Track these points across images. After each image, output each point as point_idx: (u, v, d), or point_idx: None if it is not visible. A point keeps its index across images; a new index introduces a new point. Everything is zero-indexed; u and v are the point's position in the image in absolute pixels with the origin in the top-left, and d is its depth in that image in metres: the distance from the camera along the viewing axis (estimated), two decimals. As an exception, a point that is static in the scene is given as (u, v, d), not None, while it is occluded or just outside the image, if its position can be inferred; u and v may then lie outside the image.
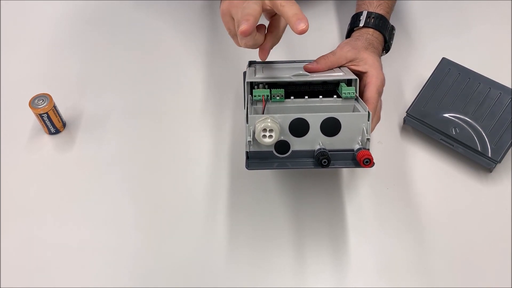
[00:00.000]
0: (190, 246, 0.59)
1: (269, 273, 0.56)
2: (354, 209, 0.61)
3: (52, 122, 0.68)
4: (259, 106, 0.53)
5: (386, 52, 0.69)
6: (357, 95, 0.55)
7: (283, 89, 0.55)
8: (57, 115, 0.68)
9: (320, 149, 0.51)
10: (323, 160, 0.50)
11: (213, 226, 0.60)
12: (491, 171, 0.63)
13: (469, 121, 0.63)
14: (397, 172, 0.64)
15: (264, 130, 0.49)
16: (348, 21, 0.71)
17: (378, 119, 0.61)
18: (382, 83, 0.61)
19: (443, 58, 0.67)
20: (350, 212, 0.61)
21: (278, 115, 0.50)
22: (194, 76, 0.77)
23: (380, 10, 0.68)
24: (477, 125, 0.63)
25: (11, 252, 0.59)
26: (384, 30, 0.67)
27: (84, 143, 0.69)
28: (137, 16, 0.87)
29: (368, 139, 0.51)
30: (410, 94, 0.71)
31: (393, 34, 0.70)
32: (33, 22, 0.87)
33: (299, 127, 0.51)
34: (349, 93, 0.54)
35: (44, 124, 0.68)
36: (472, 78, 0.65)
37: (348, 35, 0.70)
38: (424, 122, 0.65)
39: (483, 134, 0.62)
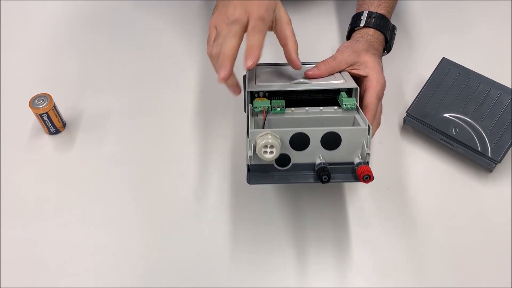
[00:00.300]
0: (191, 246, 0.59)
1: (271, 273, 0.56)
2: (355, 210, 0.61)
3: (52, 122, 0.68)
4: (260, 117, 0.54)
5: (388, 52, 0.69)
6: (358, 105, 0.55)
7: (284, 100, 0.55)
8: (57, 115, 0.68)
9: (320, 163, 0.51)
10: (323, 176, 0.50)
11: (214, 226, 0.60)
12: (491, 171, 0.63)
13: (469, 121, 0.63)
14: (397, 172, 0.64)
15: (265, 146, 0.49)
16: (348, 21, 0.71)
17: (378, 124, 0.61)
18: (382, 87, 0.61)
19: (443, 58, 0.67)
20: (350, 212, 0.61)
21: (279, 129, 0.50)
22: (194, 76, 0.77)
23: (381, 10, 0.68)
24: (477, 125, 0.63)
25: (11, 252, 0.59)
26: (385, 30, 0.67)
27: (84, 143, 0.69)
28: (137, 16, 0.87)
29: (368, 153, 0.51)
30: (410, 94, 0.71)
31: (395, 34, 0.70)
32: (33, 22, 0.87)
33: (299, 141, 0.51)
34: (349, 104, 0.55)
35: (44, 124, 0.68)
36: (472, 78, 0.65)
37: (349, 36, 0.70)
38: (424, 122, 0.65)
39: (483, 134, 0.62)
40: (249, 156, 0.50)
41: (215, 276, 0.56)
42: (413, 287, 0.55)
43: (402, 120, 0.69)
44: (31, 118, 0.71)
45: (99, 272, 0.57)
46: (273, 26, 0.58)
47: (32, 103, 0.67)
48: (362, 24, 0.67)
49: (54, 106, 0.67)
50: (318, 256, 0.57)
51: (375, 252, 0.57)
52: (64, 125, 0.71)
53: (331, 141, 0.51)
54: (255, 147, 0.50)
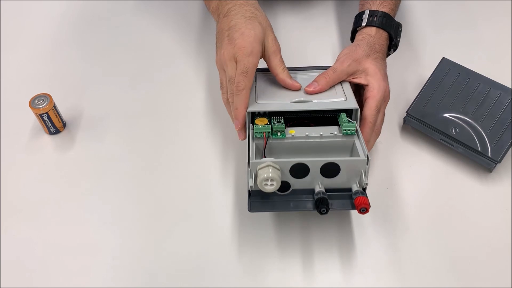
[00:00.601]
0: (194, 246, 0.59)
1: (273, 273, 0.56)
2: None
3: (52, 122, 0.68)
4: (261, 141, 0.55)
5: (394, 51, 0.69)
6: (358, 128, 0.56)
7: (284, 124, 0.56)
8: (57, 115, 0.68)
9: (319, 192, 0.52)
10: (322, 209, 0.51)
11: (216, 226, 0.60)
12: (491, 171, 0.63)
13: (469, 121, 0.63)
14: (397, 172, 0.64)
15: (266, 180, 0.51)
16: (347, 21, 0.71)
17: (378, 134, 0.61)
18: (383, 96, 0.60)
19: (443, 58, 0.67)
20: (350, 212, 0.61)
21: (279, 160, 0.51)
22: (194, 76, 0.77)
23: (383, 8, 0.67)
24: (477, 125, 0.63)
25: (11, 252, 0.59)
26: (389, 27, 0.66)
27: (84, 143, 0.69)
28: (137, 16, 0.87)
29: (366, 184, 0.53)
30: (410, 94, 0.71)
31: (400, 31, 0.68)
32: (33, 22, 0.87)
33: (299, 171, 0.52)
34: (349, 130, 0.55)
35: (44, 124, 0.68)
36: (472, 78, 0.65)
37: (352, 36, 0.69)
38: (424, 122, 0.65)
39: (483, 134, 0.62)
40: (250, 186, 0.52)
41: (218, 276, 0.56)
42: (413, 286, 0.55)
43: (402, 120, 0.69)
44: (31, 118, 0.71)
45: (99, 272, 0.57)
46: (262, 55, 0.61)
47: (32, 103, 0.67)
48: (364, 24, 0.66)
49: (54, 106, 0.68)
50: (319, 256, 0.57)
51: (375, 251, 0.57)
52: (64, 125, 0.71)
53: (330, 170, 0.52)
54: (256, 176, 0.51)
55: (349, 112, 0.57)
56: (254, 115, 0.58)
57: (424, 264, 0.56)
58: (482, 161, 0.62)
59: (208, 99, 0.74)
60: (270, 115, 0.58)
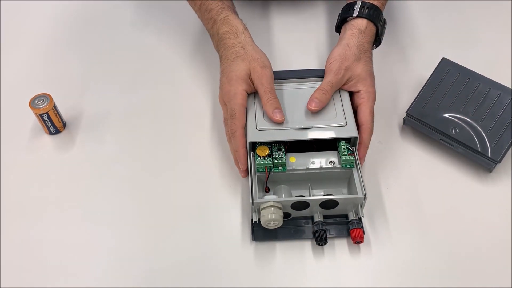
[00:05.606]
0: (194, 245, 0.59)
1: (271, 272, 0.56)
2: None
3: (52, 122, 0.68)
4: (263, 174, 0.58)
5: (377, 46, 0.69)
6: (357, 157, 0.58)
7: (285, 156, 0.58)
8: (57, 115, 0.68)
9: (318, 223, 0.55)
10: (320, 242, 0.55)
11: (217, 226, 0.60)
12: (491, 171, 0.63)
13: (469, 121, 0.63)
14: (397, 172, 0.64)
15: (269, 221, 0.54)
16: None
17: (372, 132, 0.62)
18: (374, 101, 0.63)
19: (443, 58, 0.67)
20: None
21: (282, 200, 0.55)
22: (195, 76, 0.77)
23: (374, 1, 0.67)
24: (477, 125, 0.63)
25: (11, 252, 0.59)
26: (377, 21, 0.66)
27: (84, 143, 0.69)
28: (137, 16, 0.87)
29: (361, 217, 0.56)
30: (410, 94, 0.71)
31: (385, 28, 0.69)
32: (33, 22, 0.87)
33: (300, 206, 0.56)
34: (348, 163, 0.57)
35: (44, 124, 0.68)
36: (472, 78, 0.65)
37: (339, 26, 0.69)
38: (424, 122, 0.65)
39: (483, 134, 0.62)
40: (254, 221, 0.55)
41: (219, 275, 0.56)
42: (413, 287, 0.55)
43: (402, 120, 0.69)
44: (31, 118, 0.71)
45: (99, 272, 0.57)
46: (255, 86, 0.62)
47: (32, 103, 0.67)
48: (355, 14, 0.65)
49: (54, 106, 0.68)
50: (319, 256, 0.57)
51: (374, 252, 0.57)
52: (64, 125, 0.71)
53: (329, 204, 0.56)
54: (259, 211, 0.55)
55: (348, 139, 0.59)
56: (255, 143, 0.59)
57: (423, 264, 0.56)
58: (482, 161, 0.62)
59: (209, 99, 0.74)
60: (271, 143, 0.59)
